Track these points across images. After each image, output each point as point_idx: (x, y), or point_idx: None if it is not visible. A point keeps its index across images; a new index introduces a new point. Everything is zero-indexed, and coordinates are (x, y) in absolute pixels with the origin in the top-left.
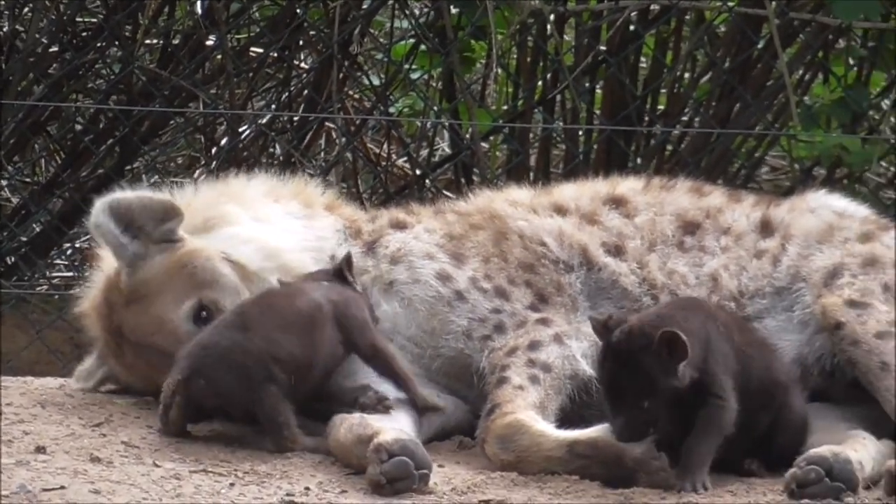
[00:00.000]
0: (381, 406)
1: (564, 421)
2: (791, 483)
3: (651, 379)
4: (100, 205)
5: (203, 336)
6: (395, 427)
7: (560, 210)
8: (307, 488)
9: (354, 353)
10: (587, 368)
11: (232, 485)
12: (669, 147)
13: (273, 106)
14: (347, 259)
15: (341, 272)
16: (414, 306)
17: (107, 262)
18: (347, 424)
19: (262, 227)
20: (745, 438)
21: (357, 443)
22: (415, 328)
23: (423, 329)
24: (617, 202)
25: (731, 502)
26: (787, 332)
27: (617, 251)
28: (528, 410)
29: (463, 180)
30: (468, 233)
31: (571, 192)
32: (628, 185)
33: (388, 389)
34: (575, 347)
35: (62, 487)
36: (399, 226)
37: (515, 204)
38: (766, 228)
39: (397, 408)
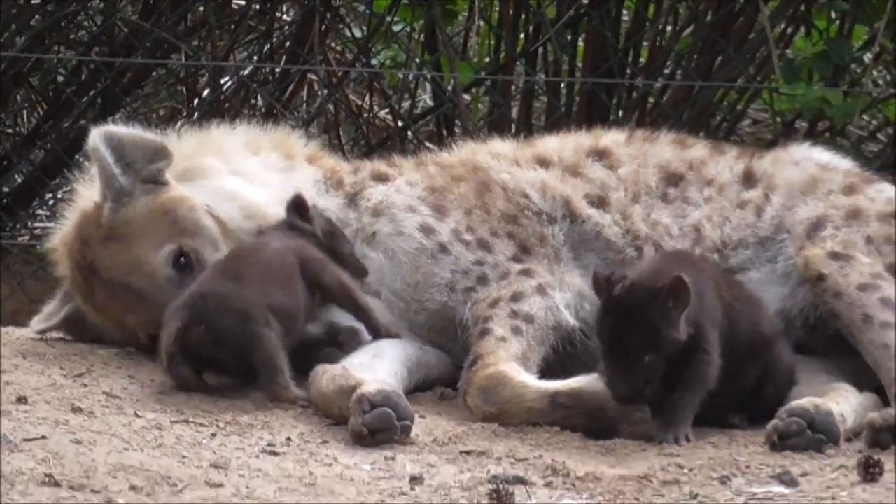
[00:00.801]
0: (355, 341)
1: (548, 373)
2: (772, 435)
3: (656, 332)
4: (97, 132)
5: (197, 287)
6: (378, 378)
7: (543, 162)
8: (288, 439)
9: (321, 293)
10: (570, 319)
11: (213, 435)
12: (651, 100)
13: (255, 58)
14: (294, 202)
15: (292, 224)
16: (398, 259)
17: (84, 198)
18: (329, 375)
19: (242, 181)
20: (732, 392)
21: (339, 393)
22: (399, 282)
23: (407, 282)
24: (600, 154)
25: (713, 455)
26: (770, 285)
27: (600, 203)
28: (510, 362)
29: (445, 132)
30: (450, 185)
31: (554, 144)
32: (611, 138)
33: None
34: (558, 298)
35: (43, 437)
36: (381, 178)
37: (498, 156)
38: (749, 180)
39: (379, 356)
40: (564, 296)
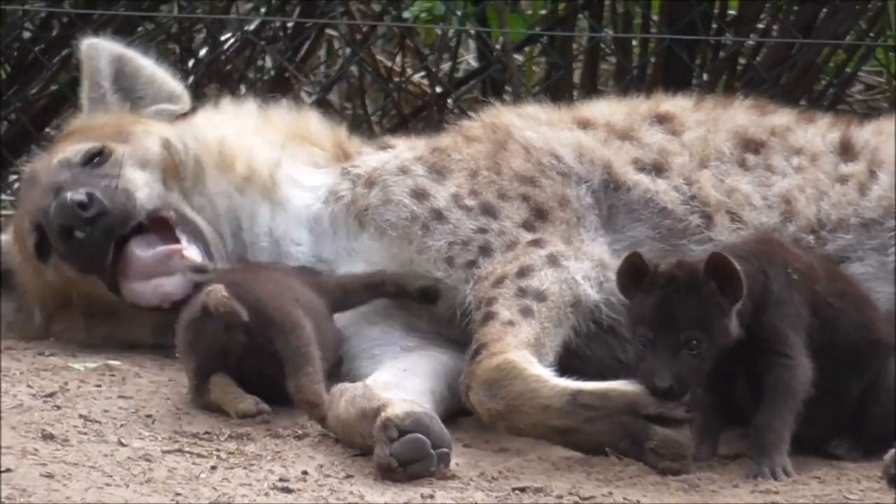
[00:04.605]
0: None
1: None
2: (891, 467)
3: (703, 310)
4: (100, 43)
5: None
6: (406, 398)
7: (584, 124)
8: (304, 473)
9: None
10: (591, 292)
11: (214, 468)
12: (742, 60)
13: (262, 10)
14: None
15: None
16: (387, 235)
17: None
18: (349, 396)
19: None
20: (830, 411)
21: (360, 418)
22: (388, 260)
23: (397, 260)
24: (661, 118)
25: (818, 492)
26: (877, 282)
27: (655, 168)
28: (520, 350)
29: (492, 99)
30: (459, 145)
31: (603, 108)
32: (676, 103)
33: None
34: (574, 268)
35: (8, 470)
36: (383, 147)
37: (527, 116)
38: (847, 151)
39: (411, 370)
40: (581, 265)
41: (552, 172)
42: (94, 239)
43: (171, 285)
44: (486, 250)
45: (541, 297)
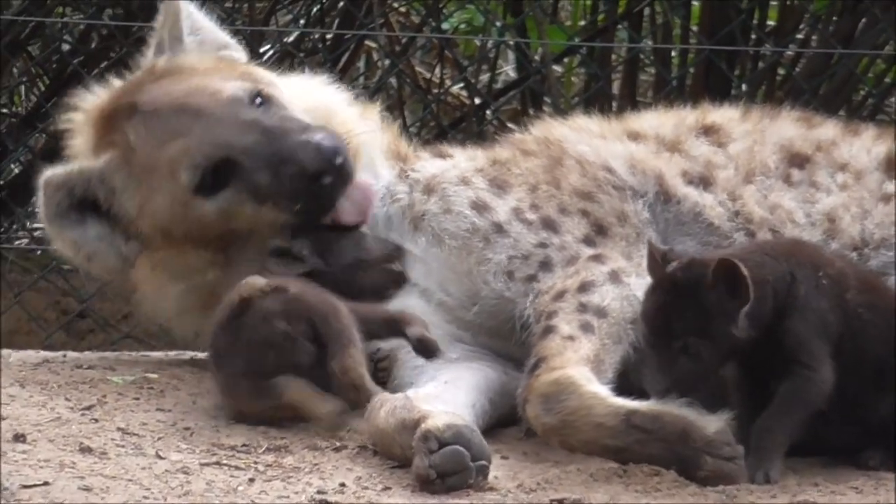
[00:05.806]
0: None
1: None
2: None
3: (706, 316)
4: None
5: None
6: (448, 410)
7: (634, 136)
8: (342, 484)
9: None
10: None
11: (251, 480)
12: (781, 71)
13: (301, 21)
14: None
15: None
16: (444, 242)
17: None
18: (389, 407)
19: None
20: (858, 423)
21: (400, 429)
22: (447, 269)
23: (455, 270)
24: (706, 130)
25: (857, 502)
26: None
27: (702, 182)
28: (580, 366)
29: (532, 111)
30: (517, 158)
31: (652, 120)
32: (722, 114)
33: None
34: (635, 285)
35: (46, 483)
36: (440, 154)
37: (579, 129)
38: (892, 168)
39: (453, 382)
40: (642, 282)
41: (608, 187)
42: (337, 184)
43: (373, 205)
44: (546, 265)
45: (601, 313)
